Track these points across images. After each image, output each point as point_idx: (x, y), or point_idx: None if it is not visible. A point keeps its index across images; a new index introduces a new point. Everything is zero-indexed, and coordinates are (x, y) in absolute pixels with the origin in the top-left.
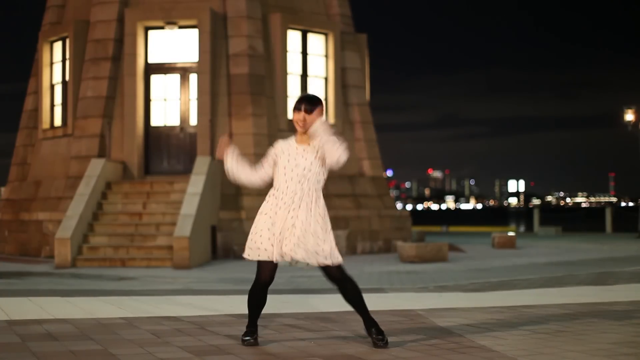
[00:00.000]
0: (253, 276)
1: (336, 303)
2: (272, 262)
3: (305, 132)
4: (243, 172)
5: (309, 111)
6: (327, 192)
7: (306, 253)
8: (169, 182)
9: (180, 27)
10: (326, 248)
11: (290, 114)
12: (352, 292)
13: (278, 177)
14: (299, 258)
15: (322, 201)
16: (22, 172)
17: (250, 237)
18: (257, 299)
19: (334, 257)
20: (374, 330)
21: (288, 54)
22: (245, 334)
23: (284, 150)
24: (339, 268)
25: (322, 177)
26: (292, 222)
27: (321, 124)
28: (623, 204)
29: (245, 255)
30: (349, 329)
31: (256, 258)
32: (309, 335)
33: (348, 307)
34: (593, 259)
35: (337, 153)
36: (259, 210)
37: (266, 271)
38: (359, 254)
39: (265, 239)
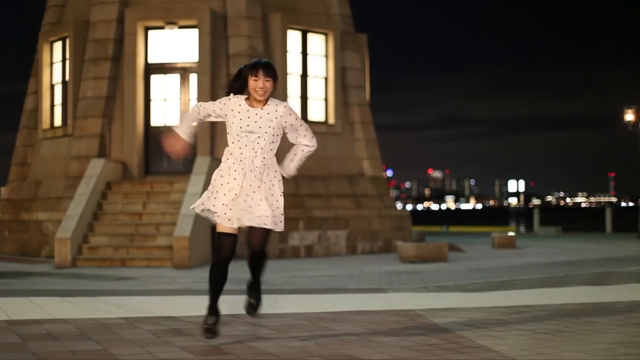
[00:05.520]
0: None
1: (336, 303)
2: (232, 236)
3: (265, 100)
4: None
5: (269, 77)
6: (327, 192)
7: (251, 216)
8: (169, 182)
9: (180, 27)
10: (268, 214)
11: None
12: (259, 266)
13: (232, 141)
14: (244, 223)
15: (274, 169)
16: (22, 172)
17: (205, 194)
18: (219, 277)
19: (277, 225)
20: (254, 295)
21: (288, 54)
22: (208, 324)
23: (236, 111)
24: (265, 238)
25: (276, 145)
26: (243, 189)
27: (293, 111)
28: (623, 204)
29: (195, 207)
30: (349, 329)
31: (204, 214)
32: (309, 335)
33: (348, 307)
34: (593, 259)
35: (312, 141)
36: (218, 169)
37: (227, 247)
38: (359, 254)
39: (219, 203)
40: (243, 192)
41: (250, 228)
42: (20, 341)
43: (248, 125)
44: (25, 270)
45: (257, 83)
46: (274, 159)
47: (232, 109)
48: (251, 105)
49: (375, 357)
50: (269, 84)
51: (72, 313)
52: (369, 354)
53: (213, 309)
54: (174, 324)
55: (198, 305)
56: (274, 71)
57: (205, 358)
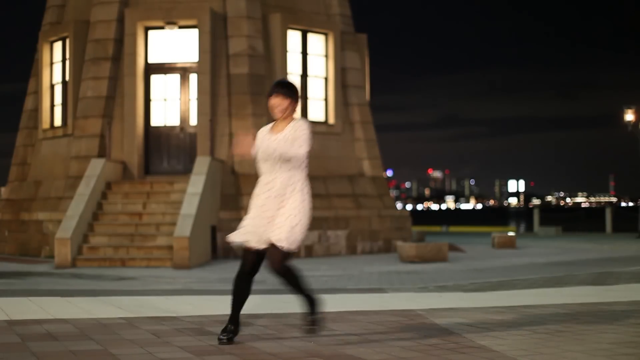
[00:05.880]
0: None
1: (336, 303)
2: (254, 252)
3: (285, 118)
4: None
5: (286, 96)
6: (327, 192)
7: (267, 236)
8: (169, 182)
9: (180, 27)
10: (284, 235)
11: None
12: (292, 282)
13: (259, 166)
14: (259, 245)
15: (297, 189)
16: (22, 172)
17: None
18: (240, 289)
19: (289, 242)
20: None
21: (288, 54)
22: (222, 331)
23: (260, 139)
24: (279, 258)
25: (295, 163)
26: (267, 209)
27: (304, 127)
28: (623, 204)
29: (230, 237)
30: (349, 329)
31: (238, 240)
32: (309, 335)
33: (348, 307)
34: (593, 259)
35: (294, 150)
36: (252, 194)
37: (248, 261)
38: (359, 254)
39: (250, 225)
40: (263, 214)
41: (268, 247)
42: (20, 341)
43: (265, 151)
44: (25, 270)
45: (271, 101)
46: (296, 177)
47: (259, 138)
48: (272, 131)
49: (375, 357)
50: (280, 100)
51: (72, 313)
52: (369, 354)
53: (232, 319)
54: (174, 324)
55: (198, 305)
56: (286, 88)
57: (205, 358)
